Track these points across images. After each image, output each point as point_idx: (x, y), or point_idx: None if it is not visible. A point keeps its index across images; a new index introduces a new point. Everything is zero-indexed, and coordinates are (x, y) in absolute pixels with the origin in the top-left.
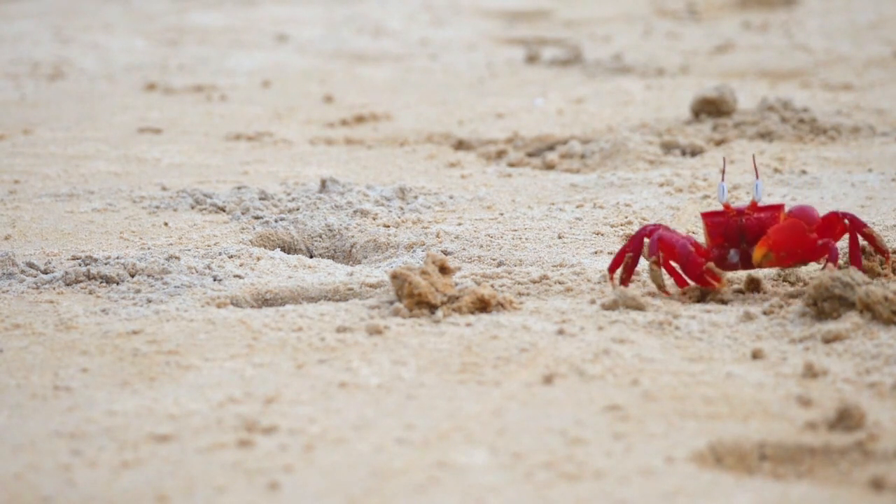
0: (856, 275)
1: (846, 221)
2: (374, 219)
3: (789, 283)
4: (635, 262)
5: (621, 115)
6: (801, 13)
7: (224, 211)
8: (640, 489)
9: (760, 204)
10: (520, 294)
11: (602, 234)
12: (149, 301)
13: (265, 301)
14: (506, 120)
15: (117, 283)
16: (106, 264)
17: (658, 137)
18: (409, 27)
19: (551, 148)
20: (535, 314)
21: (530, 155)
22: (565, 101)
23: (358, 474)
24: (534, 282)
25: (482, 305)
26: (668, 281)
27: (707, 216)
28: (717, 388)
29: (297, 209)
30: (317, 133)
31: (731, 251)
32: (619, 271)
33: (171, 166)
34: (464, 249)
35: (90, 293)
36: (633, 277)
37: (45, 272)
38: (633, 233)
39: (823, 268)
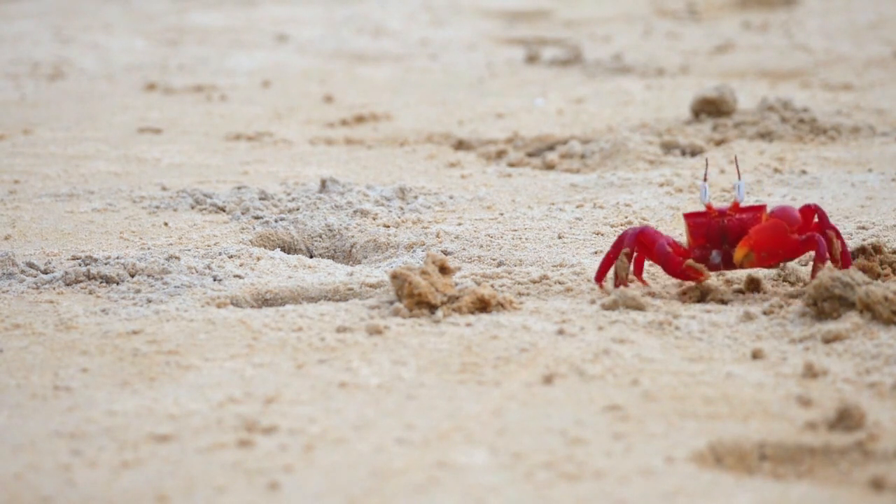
0: (856, 275)
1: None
2: (374, 219)
3: (789, 283)
4: (628, 257)
5: (621, 115)
6: (801, 13)
7: (224, 211)
8: (640, 489)
9: (742, 204)
10: (520, 294)
11: (602, 234)
12: (149, 301)
13: (265, 301)
14: (506, 120)
15: (117, 283)
16: (106, 264)
17: (658, 137)
18: (409, 27)
19: (551, 148)
20: (535, 314)
21: (530, 155)
22: (565, 101)
23: (358, 474)
24: (534, 282)
25: (482, 305)
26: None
27: (689, 217)
28: (717, 388)
29: (297, 209)
30: (317, 133)
31: (713, 252)
32: (608, 278)
33: (171, 166)
34: (464, 249)
35: (90, 293)
36: (634, 277)
37: (45, 272)
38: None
39: (814, 266)
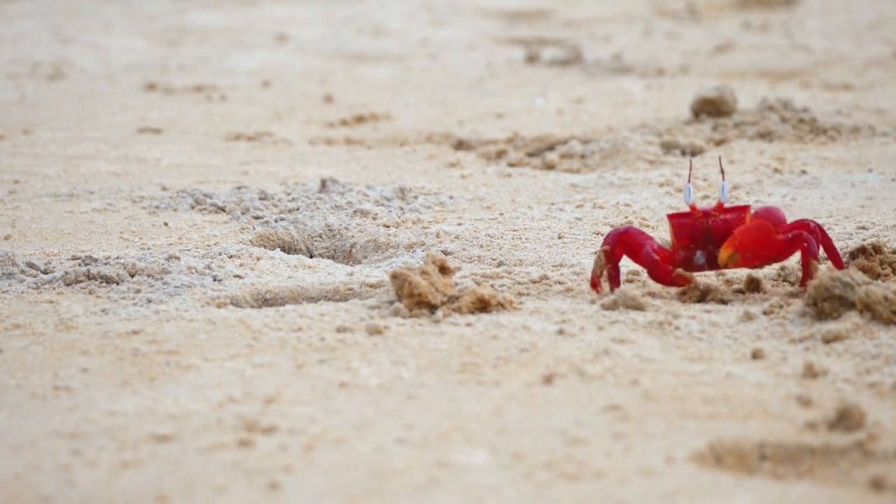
0: (856, 275)
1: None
2: (374, 219)
3: (789, 283)
4: (616, 267)
5: (621, 115)
6: (801, 13)
7: (224, 211)
8: (640, 489)
9: (727, 205)
10: (520, 294)
11: (602, 235)
12: (149, 301)
13: (265, 301)
14: (506, 120)
15: (117, 283)
16: (106, 264)
17: (658, 137)
18: (409, 27)
19: (551, 148)
20: (535, 314)
21: (530, 155)
22: (565, 101)
23: (358, 474)
24: (534, 282)
25: (482, 305)
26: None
27: (673, 217)
28: (717, 388)
29: (297, 209)
30: (317, 133)
31: (697, 252)
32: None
33: (171, 166)
34: (464, 249)
35: (90, 293)
36: (633, 277)
37: (45, 272)
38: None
39: (804, 263)
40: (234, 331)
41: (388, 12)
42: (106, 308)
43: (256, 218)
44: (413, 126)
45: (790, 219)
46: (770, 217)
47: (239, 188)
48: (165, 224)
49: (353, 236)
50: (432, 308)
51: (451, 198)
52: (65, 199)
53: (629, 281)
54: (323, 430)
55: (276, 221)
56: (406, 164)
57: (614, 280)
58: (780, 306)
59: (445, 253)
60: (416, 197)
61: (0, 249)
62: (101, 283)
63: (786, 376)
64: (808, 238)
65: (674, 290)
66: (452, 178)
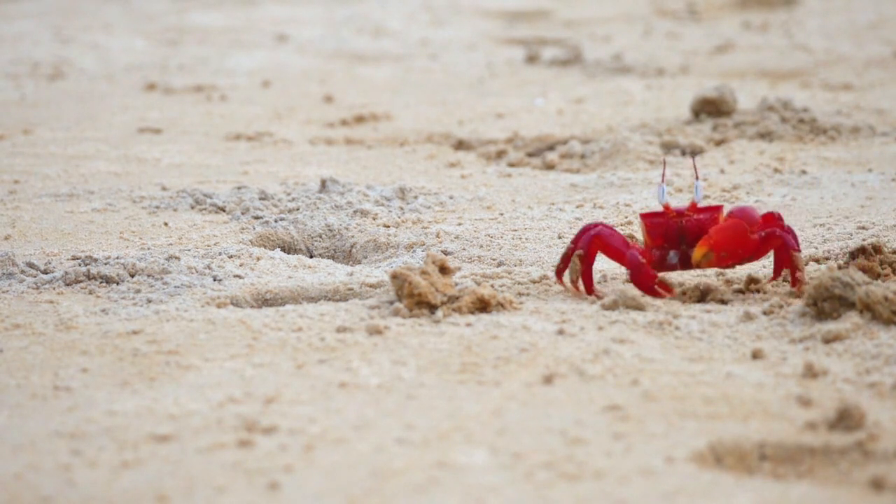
0: (856, 275)
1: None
2: (374, 219)
3: (789, 283)
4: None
5: (621, 115)
6: (801, 13)
7: (224, 211)
8: (640, 489)
9: (700, 205)
10: (520, 294)
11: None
12: (149, 301)
13: (265, 301)
14: (506, 120)
15: (117, 283)
16: (106, 264)
17: (658, 137)
18: (409, 27)
19: (551, 148)
20: (535, 314)
21: (530, 155)
22: (565, 101)
23: (358, 474)
24: (534, 282)
25: (482, 305)
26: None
27: (647, 217)
28: (717, 388)
29: (297, 209)
30: (317, 133)
31: (670, 252)
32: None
33: (171, 166)
34: (464, 249)
35: (90, 293)
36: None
37: (45, 272)
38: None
39: (791, 260)
40: (234, 331)
41: (388, 12)
42: (106, 308)
43: (256, 218)
44: (413, 126)
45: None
46: (744, 216)
47: (239, 188)
48: (165, 224)
49: (353, 236)
50: (432, 308)
51: (451, 198)
52: (65, 199)
53: (629, 281)
54: (323, 430)
55: (276, 221)
56: (406, 164)
57: (587, 281)
58: (780, 306)
59: (445, 253)
60: (416, 197)
61: (0, 249)
62: (101, 283)
63: (786, 376)
64: (783, 235)
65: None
66: (452, 178)
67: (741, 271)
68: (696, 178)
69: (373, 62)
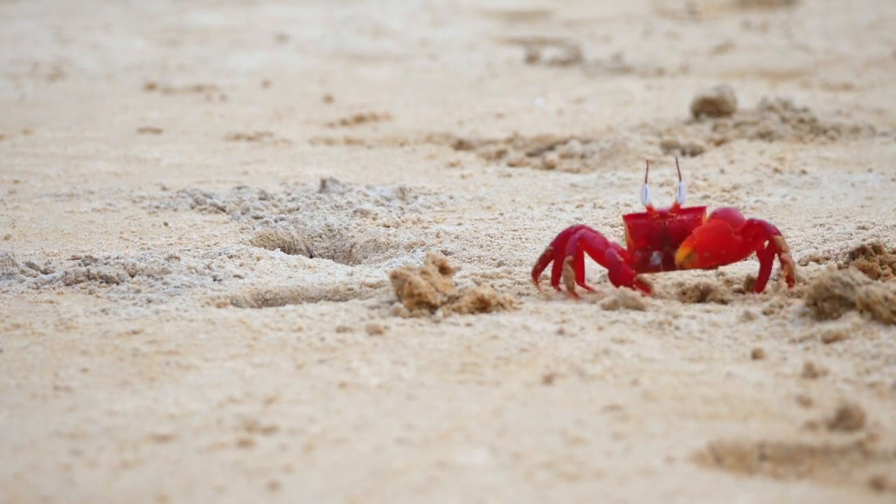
0: (856, 275)
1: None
2: (374, 219)
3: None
4: (554, 256)
5: (621, 115)
6: (801, 13)
7: (224, 211)
8: (640, 489)
9: (683, 206)
10: (520, 294)
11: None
12: (149, 301)
13: (265, 301)
14: (506, 120)
15: (117, 283)
16: (106, 264)
17: (658, 137)
18: (409, 27)
19: (551, 148)
20: (535, 314)
21: (530, 155)
22: (565, 101)
23: (358, 474)
24: (546, 278)
25: (482, 305)
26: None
27: (629, 218)
28: (717, 388)
29: (297, 209)
30: (317, 133)
31: (653, 253)
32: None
33: (171, 166)
34: (464, 249)
35: (90, 293)
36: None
37: (45, 272)
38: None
39: (781, 261)
40: (234, 331)
41: (388, 12)
42: (106, 308)
43: (256, 218)
44: (413, 126)
45: (789, 219)
46: (728, 217)
47: (239, 188)
48: (165, 224)
49: (353, 236)
50: (432, 308)
51: (451, 198)
52: (65, 199)
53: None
54: (323, 430)
55: (276, 221)
56: (406, 164)
57: (581, 280)
58: (780, 306)
59: (445, 253)
60: (416, 197)
61: (0, 249)
62: (101, 283)
63: (786, 376)
64: (765, 230)
65: (674, 290)
66: (452, 178)
67: (742, 271)
68: (680, 178)
69: (373, 62)
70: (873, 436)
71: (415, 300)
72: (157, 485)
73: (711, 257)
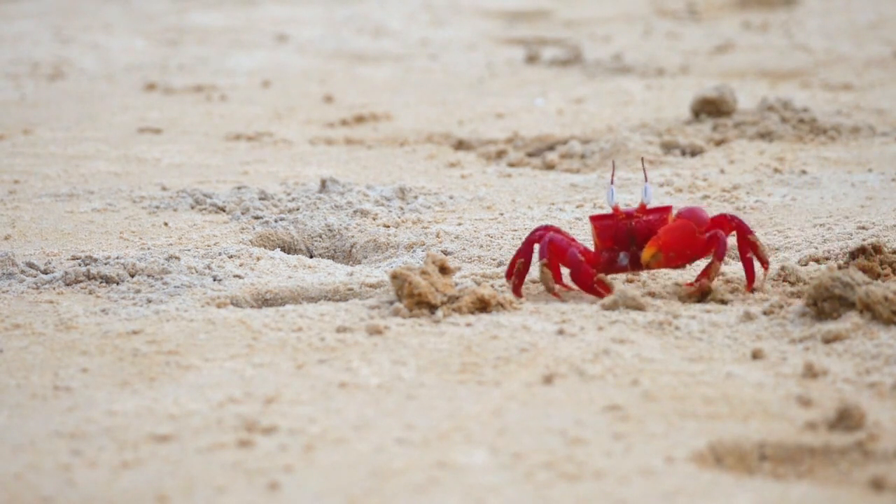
0: (856, 275)
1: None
2: (374, 219)
3: (789, 283)
4: (527, 267)
5: (621, 115)
6: (801, 13)
7: (224, 211)
8: (640, 489)
9: (649, 207)
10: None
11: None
12: (149, 301)
13: (265, 301)
14: (506, 120)
15: (117, 283)
16: (106, 264)
17: (658, 137)
18: (409, 27)
19: (551, 148)
20: (535, 314)
21: (530, 155)
22: (565, 101)
23: (358, 474)
24: (534, 282)
25: (482, 305)
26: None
27: (596, 219)
28: (717, 388)
29: (297, 209)
30: (317, 133)
31: (620, 254)
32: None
33: (171, 166)
34: (464, 249)
35: (90, 293)
36: (633, 277)
37: (45, 272)
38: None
39: (711, 263)
40: (234, 331)
41: (388, 12)
42: (106, 308)
43: (256, 218)
44: (413, 126)
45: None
46: (693, 217)
47: (239, 188)
48: (165, 224)
49: (353, 236)
50: (432, 308)
51: (451, 198)
52: (65, 199)
53: (629, 281)
54: (323, 430)
55: (276, 221)
56: (406, 164)
57: (550, 288)
58: (780, 306)
59: (445, 253)
60: (416, 197)
61: (0, 249)
62: (101, 283)
63: (786, 376)
64: (721, 238)
65: (674, 290)
66: (452, 178)
67: (741, 272)
68: (646, 180)
69: (373, 62)
70: (873, 436)
71: (415, 300)
72: (157, 485)
73: (677, 257)
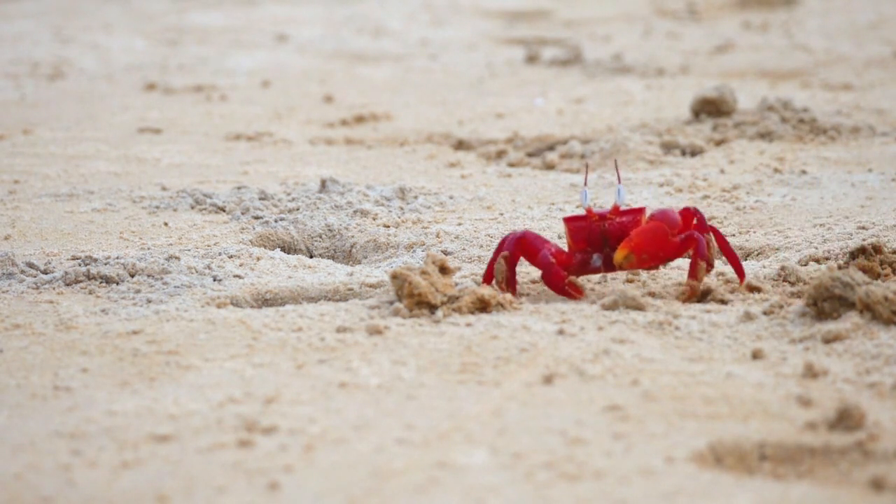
0: (856, 275)
1: (695, 220)
2: (374, 219)
3: (789, 283)
4: (513, 271)
5: (621, 115)
6: (801, 13)
7: (224, 211)
8: (640, 489)
9: (622, 208)
10: (520, 294)
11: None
12: (149, 301)
13: (265, 301)
14: (506, 120)
15: (117, 283)
16: (106, 264)
17: (658, 137)
18: (409, 27)
19: (551, 148)
20: (535, 314)
21: (530, 155)
22: (565, 101)
23: (358, 474)
24: (534, 282)
25: (482, 305)
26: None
27: (569, 221)
28: (717, 388)
29: (297, 209)
30: (317, 133)
31: (593, 255)
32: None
33: (171, 166)
34: (464, 249)
35: (90, 293)
36: (633, 277)
37: (45, 272)
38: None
39: (692, 263)
40: (234, 331)
41: (388, 12)
42: (106, 308)
43: (256, 218)
44: (413, 126)
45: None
46: (666, 219)
47: (239, 188)
48: (165, 224)
49: (353, 236)
50: (432, 308)
51: (451, 198)
52: (65, 199)
53: (629, 281)
54: (323, 430)
55: (276, 221)
56: (406, 164)
57: (511, 283)
58: (780, 306)
59: (445, 253)
60: (416, 197)
61: (0, 249)
62: (101, 283)
63: (786, 376)
64: (699, 238)
65: (674, 290)
66: (452, 178)
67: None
68: (619, 181)
69: (373, 62)
70: (873, 436)
71: (415, 300)
72: (157, 485)
73: (649, 258)
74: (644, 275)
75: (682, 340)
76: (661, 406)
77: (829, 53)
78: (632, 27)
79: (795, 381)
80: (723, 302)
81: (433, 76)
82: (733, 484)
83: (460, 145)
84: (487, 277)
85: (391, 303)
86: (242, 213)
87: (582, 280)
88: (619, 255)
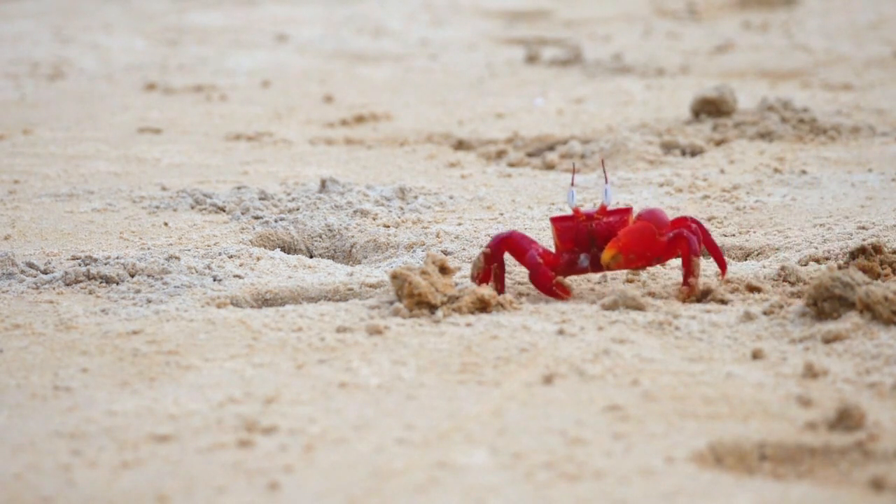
0: (856, 275)
1: (693, 226)
2: (374, 219)
3: (789, 283)
4: (502, 269)
5: (621, 115)
6: (801, 13)
7: (224, 211)
8: (640, 489)
9: (609, 208)
10: (520, 294)
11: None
12: (149, 301)
13: (265, 301)
14: (506, 120)
15: (117, 283)
16: (106, 264)
17: (658, 137)
18: (409, 27)
19: (551, 148)
20: (535, 314)
21: (530, 155)
22: (565, 101)
23: (358, 474)
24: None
25: (482, 305)
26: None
27: (556, 221)
28: (717, 388)
29: (297, 209)
30: (317, 133)
31: (581, 255)
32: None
33: (171, 166)
34: (464, 249)
35: (90, 293)
36: (633, 277)
37: (45, 272)
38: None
39: (686, 261)
40: (234, 331)
41: (388, 12)
42: (106, 308)
43: (256, 218)
44: (413, 126)
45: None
46: (653, 219)
47: (239, 188)
48: (165, 224)
49: (353, 236)
50: (432, 308)
51: (451, 198)
52: (65, 199)
53: (629, 281)
54: (323, 430)
55: (276, 221)
56: (406, 164)
57: (500, 280)
58: (780, 306)
59: (445, 253)
60: (416, 197)
61: (0, 249)
62: (101, 283)
63: (786, 376)
64: (689, 236)
65: (674, 290)
66: (452, 178)
67: (742, 272)
68: (606, 181)
69: (373, 62)
70: (873, 436)
71: (415, 300)
72: (157, 485)
73: (637, 258)
74: (644, 275)
75: (682, 340)
76: (661, 406)
77: (829, 53)
78: (632, 27)
79: (795, 381)
80: (723, 302)
81: (433, 76)
82: (733, 484)
83: (460, 145)
84: (481, 281)
85: (391, 303)
86: (242, 213)
87: (582, 280)
88: (606, 255)
